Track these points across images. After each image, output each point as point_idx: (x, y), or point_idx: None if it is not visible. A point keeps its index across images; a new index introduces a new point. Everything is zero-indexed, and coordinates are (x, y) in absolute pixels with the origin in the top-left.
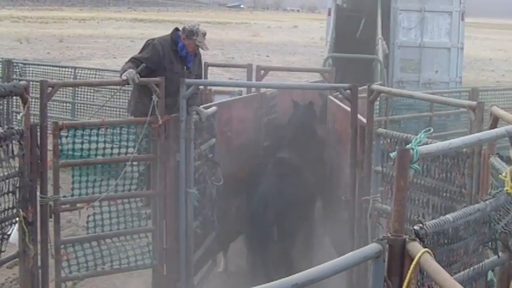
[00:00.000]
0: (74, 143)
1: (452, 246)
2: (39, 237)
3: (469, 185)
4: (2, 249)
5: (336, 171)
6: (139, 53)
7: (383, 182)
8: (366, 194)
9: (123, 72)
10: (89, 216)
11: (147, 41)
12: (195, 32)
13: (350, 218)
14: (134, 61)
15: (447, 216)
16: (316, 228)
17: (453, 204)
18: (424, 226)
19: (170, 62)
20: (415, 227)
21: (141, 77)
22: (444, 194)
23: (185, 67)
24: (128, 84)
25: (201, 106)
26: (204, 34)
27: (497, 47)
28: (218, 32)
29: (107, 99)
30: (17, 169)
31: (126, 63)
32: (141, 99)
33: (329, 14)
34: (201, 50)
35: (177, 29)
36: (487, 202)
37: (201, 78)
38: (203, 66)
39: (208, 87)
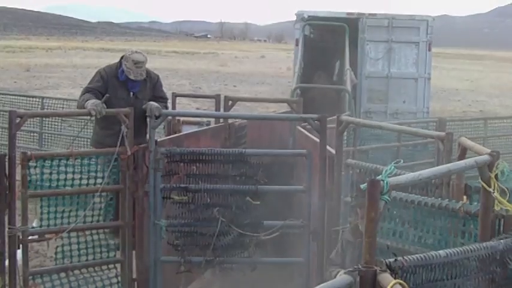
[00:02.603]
0: (42, 173)
1: (446, 283)
2: (7, 268)
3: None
4: None
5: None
6: (90, 81)
7: (352, 212)
8: (335, 225)
9: (86, 102)
10: (57, 247)
11: (98, 70)
12: (126, 57)
13: (319, 248)
14: (90, 90)
15: (439, 251)
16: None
17: None
18: (400, 259)
19: (113, 88)
20: (389, 260)
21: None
22: None
23: (131, 93)
24: (96, 116)
25: (170, 136)
26: (136, 62)
27: (464, 77)
28: (186, 62)
29: (79, 130)
30: None
31: (84, 94)
32: (94, 129)
33: (297, 45)
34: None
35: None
36: (502, 241)
37: (163, 100)
38: (161, 90)
39: (177, 118)
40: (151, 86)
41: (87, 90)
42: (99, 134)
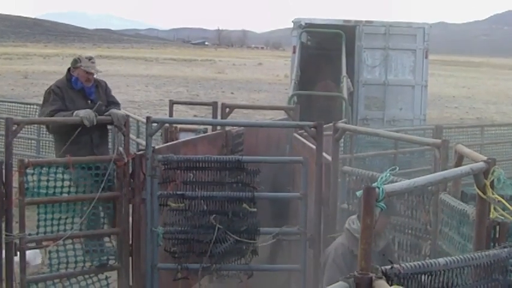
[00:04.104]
0: (39, 180)
1: None
2: (4, 275)
3: (434, 223)
4: None
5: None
6: (45, 104)
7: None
8: (332, 232)
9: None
10: (50, 252)
11: (46, 90)
12: (77, 59)
13: (315, 255)
14: (56, 113)
15: (439, 259)
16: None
17: (418, 241)
18: (397, 266)
19: (71, 100)
20: (385, 267)
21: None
22: (409, 231)
23: (89, 101)
24: (86, 125)
25: (167, 144)
26: (89, 58)
27: (461, 84)
28: (183, 69)
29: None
30: None
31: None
32: (59, 147)
33: (294, 52)
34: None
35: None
36: (506, 249)
37: (116, 105)
38: (112, 95)
39: (174, 125)
40: (103, 91)
41: (52, 115)
42: (68, 150)
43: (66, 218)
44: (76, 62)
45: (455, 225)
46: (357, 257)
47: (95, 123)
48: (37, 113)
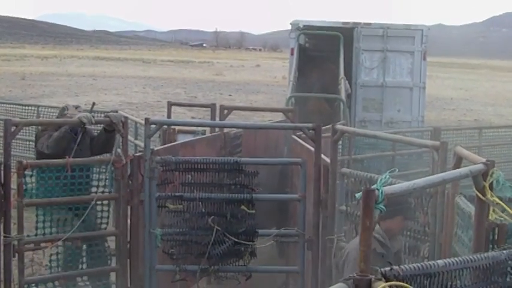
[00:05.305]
0: (38, 182)
1: None
2: (2, 277)
3: (432, 224)
4: None
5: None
6: (40, 138)
7: (347, 221)
8: (330, 233)
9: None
10: (51, 255)
11: (38, 130)
12: (64, 108)
13: (314, 257)
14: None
15: (438, 261)
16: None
17: (417, 243)
18: (396, 268)
19: None
20: (384, 269)
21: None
22: (408, 233)
23: (76, 144)
24: (85, 125)
25: (165, 145)
26: (76, 107)
27: (459, 86)
28: (181, 70)
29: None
30: None
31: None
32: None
33: (292, 54)
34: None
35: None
36: (504, 251)
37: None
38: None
39: (172, 127)
40: (88, 136)
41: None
42: None
43: (64, 220)
44: (63, 109)
45: (465, 227)
46: (379, 254)
47: (93, 122)
48: (35, 115)
